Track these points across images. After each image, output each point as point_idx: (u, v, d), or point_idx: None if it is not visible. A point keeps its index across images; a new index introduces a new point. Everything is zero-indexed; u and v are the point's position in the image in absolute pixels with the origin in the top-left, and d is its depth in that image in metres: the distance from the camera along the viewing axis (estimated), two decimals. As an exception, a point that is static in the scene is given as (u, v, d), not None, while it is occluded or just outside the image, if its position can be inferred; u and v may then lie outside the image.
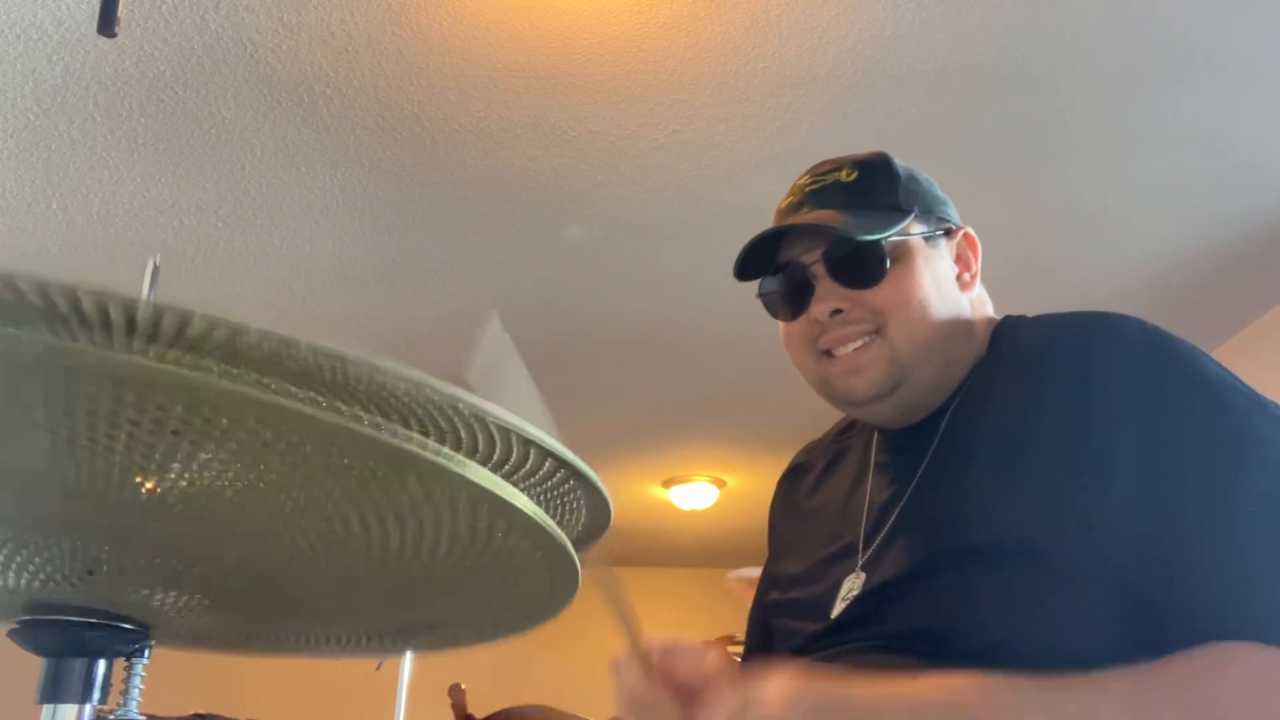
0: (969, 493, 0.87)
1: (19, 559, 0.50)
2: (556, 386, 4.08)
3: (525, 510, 0.48)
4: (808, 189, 0.99)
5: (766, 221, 1.03)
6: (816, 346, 0.96)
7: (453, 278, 3.21)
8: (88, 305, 0.38)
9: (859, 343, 0.93)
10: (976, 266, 1.03)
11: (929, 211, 0.99)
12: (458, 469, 0.44)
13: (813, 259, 0.95)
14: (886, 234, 0.93)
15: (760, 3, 2.11)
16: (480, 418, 0.46)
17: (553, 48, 2.25)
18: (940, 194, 1.03)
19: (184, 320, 0.39)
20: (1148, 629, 0.75)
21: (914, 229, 0.96)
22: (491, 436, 0.48)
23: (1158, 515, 0.77)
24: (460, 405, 0.44)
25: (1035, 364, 0.90)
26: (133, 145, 2.55)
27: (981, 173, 2.64)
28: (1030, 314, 1.00)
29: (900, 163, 1.01)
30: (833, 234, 0.92)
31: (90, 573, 0.50)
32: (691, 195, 2.77)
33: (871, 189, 0.97)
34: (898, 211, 0.96)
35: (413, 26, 2.18)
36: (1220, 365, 0.85)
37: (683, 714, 0.83)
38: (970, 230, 1.03)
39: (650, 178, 2.71)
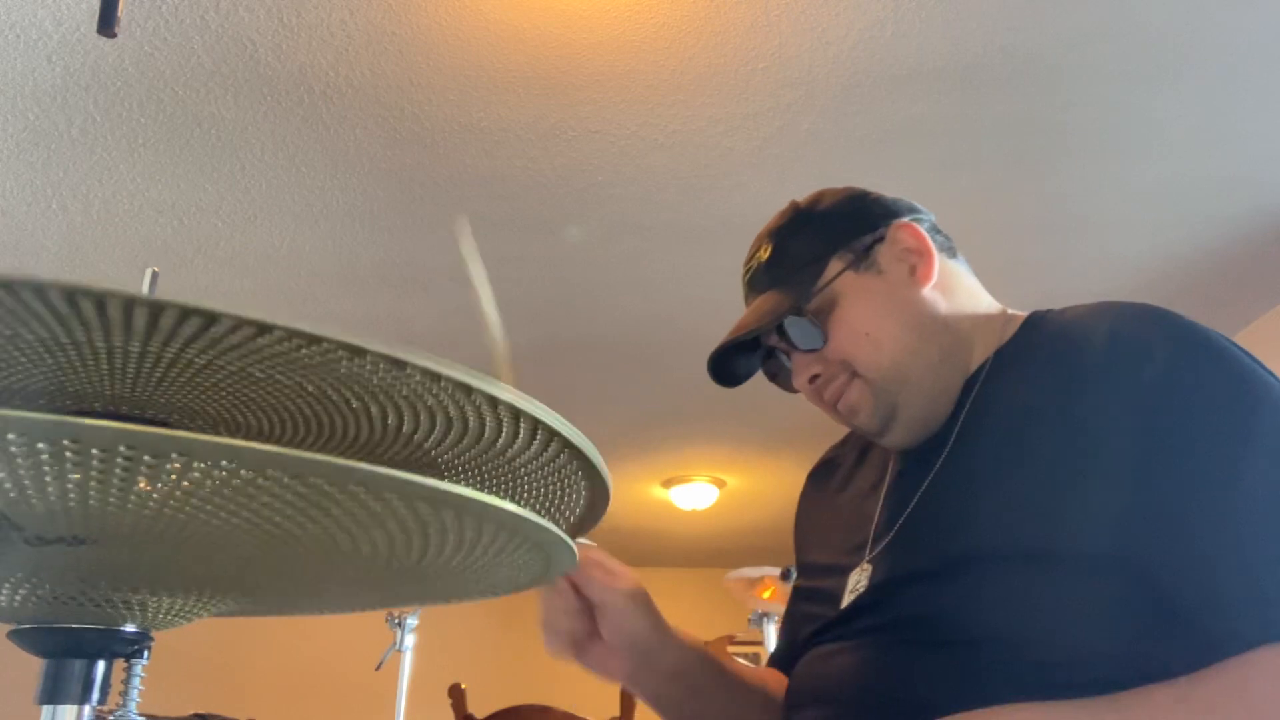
0: (979, 492, 0.87)
1: (7, 586, 0.50)
2: (557, 386, 4.09)
3: (522, 516, 0.49)
4: (745, 279, 1.05)
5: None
6: (823, 402, 1.02)
7: (453, 278, 3.22)
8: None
9: (844, 389, 0.99)
10: (927, 246, 0.99)
11: (849, 237, 0.99)
12: (466, 495, 0.45)
13: (775, 342, 1.01)
14: (809, 297, 0.96)
15: (760, 3, 2.11)
16: (493, 400, 0.46)
17: (553, 48, 2.25)
18: (861, 202, 1.02)
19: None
20: (1148, 622, 0.75)
21: (834, 268, 0.98)
22: (499, 421, 0.48)
23: (1170, 513, 0.76)
24: (473, 384, 0.45)
25: (1050, 361, 0.90)
26: (133, 145, 2.55)
27: (981, 173, 2.64)
28: (1029, 313, 1.00)
29: (806, 201, 1.03)
30: (760, 327, 0.96)
31: (83, 594, 0.51)
32: (691, 195, 2.77)
33: (786, 256, 1.00)
34: (817, 263, 0.98)
35: (413, 26, 2.18)
36: (1243, 350, 0.83)
37: (580, 622, 0.92)
38: (903, 220, 1.00)
39: (650, 178, 2.71)
